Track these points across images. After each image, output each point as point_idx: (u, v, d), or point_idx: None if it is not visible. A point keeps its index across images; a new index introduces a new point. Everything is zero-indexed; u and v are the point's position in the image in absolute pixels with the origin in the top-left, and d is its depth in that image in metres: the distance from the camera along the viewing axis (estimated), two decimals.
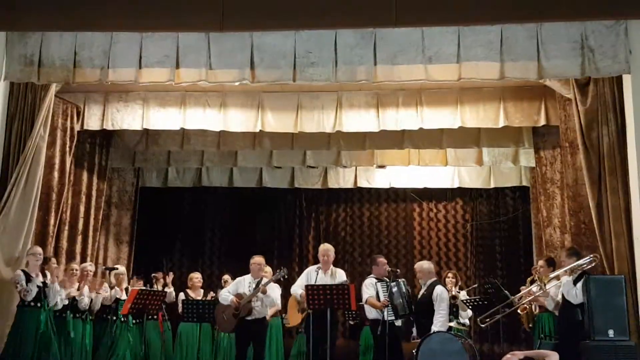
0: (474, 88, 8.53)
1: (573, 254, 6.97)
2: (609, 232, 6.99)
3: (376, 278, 8.09)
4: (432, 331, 7.01)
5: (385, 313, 7.68)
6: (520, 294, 7.86)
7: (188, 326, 9.02)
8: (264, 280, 8.03)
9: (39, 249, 7.58)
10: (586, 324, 6.35)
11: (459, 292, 9.08)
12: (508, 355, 5.64)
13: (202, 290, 9.50)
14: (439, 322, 7.13)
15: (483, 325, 7.71)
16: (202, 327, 8.68)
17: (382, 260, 8.43)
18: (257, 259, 8.24)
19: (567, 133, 7.99)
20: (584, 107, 7.32)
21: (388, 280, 8.03)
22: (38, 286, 7.25)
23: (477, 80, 7.49)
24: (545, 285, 7.23)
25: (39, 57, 7.56)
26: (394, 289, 7.67)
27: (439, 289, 7.32)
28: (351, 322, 9.95)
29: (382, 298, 7.85)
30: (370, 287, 8.03)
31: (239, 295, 7.98)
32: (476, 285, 9.56)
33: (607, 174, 7.06)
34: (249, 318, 7.95)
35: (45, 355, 7.14)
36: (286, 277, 8.25)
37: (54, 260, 8.15)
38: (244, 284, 8.14)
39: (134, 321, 8.58)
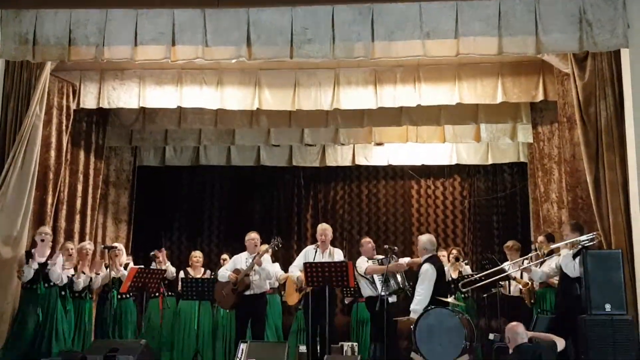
0: (472, 64, 8.50)
1: (577, 228, 7.00)
2: (606, 207, 7.01)
3: (368, 258, 8.22)
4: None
5: (380, 288, 7.75)
6: (508, 264, 7.95)
7: (187, 304, 9.06)
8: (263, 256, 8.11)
9: (46, 229, 7.62)
10: (583, 298, 6.39)
11: (463, 265, 9.09)
12: (514, 323, 5.71)
13: (202, 269, 9.52)
14: (415, 300, 7.12)
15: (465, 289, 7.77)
16: (201, 305, 8.75)
17: (366, 240, 8.63)
18: (252, 235, 8.36)
19: (565, 108, 7.99)
20: (582, 81, 7.30)
21: (379, 258, 8.15)
22: (34, 269, 7.30)
23: (475, 55, 7.46)
24: (544, 255, 7.28)
25: (33, 35, 7.51)
26: (385, 265, 7.78)
27: (424, 266, 7.26)
28: (346, 302, 9.98)
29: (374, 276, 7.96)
30: (363, 261, 8.14)
31: (236, 271, 8.07)
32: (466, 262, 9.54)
33: (605, 149, 7.06)
34: (247, 293, 8.03)
35: (49, 337, 7.19)
36: (280, 245, 8.35)
37: (70, 245, 8.22)
38: (241, 260, 8.24)
39: (133, 298, 8.61)
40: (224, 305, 8.36)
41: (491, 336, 6.65)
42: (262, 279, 8.17)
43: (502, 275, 7.83)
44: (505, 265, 8.05)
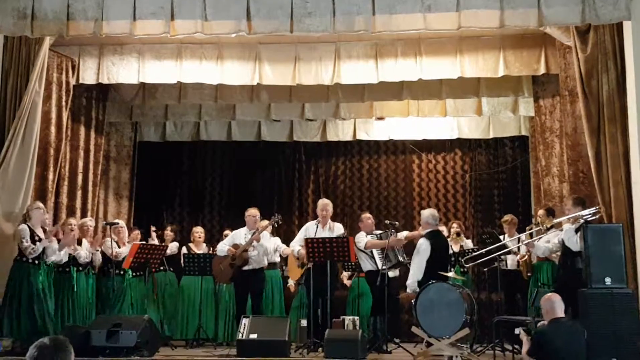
0: (474, 37, 8.44)
1: (579, 203, 7.01)
2: (607, 180, 7.02)
3: (367, 233, 8.29)
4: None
5: (379, 262, 7.81)
6: (509, 240, 7.97)
7: (190, 279, 9.11)
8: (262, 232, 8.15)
9: (40, 203, 7.61)
10: (584, 272, 6.41)
11: (464, 240, 9.12)
12: (551, 294, 5.66)
13: (204, 245, 9.55)
14: (409, 275, 7.24)
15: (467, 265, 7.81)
16: (203, 280, 8.81)
17: (365, 215, 8.70)
18: (252, 211, 8.40)
19: (567, 81, 7.94)
20: (584, 54, 7.27)
21: (378, 233, 8.20)
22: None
23: (477, 29, 7.40)
24: (546, 230, 7.29)
25: (32, 10, 7.45)
26: (384, 239, 7.82)
27: (420, 241, 7.34)
28: (346, 277, 10.00)
29: (373, 251, 8.02)
30: (362, 236, 8.20)
31: (235, 246, 8.11)
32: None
33: (607, 122, 7.05)
34: (246, 268, 8.08)
35: (40, 313, 7.20)
36: (280, 222, 8.40)
37: (72, 221, 8.22)
38: (240, 235, 8.29)
39: (134, 274, 8.65)
40: (221, 279, 8.41)
41: (517, 331, 6.52)
42: (261, 254, 8.20)
43: (505, 250, 7.84)
44: (506, 240, 8.07)
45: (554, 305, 5.47)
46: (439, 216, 7.98)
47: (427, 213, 7.64)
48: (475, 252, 8.26)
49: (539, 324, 5.84)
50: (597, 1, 6.90)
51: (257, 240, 8.05)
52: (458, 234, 9.07)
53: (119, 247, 8.59)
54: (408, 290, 7.32)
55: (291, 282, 9.43)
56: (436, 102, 10.01)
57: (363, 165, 11.73)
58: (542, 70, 8.46)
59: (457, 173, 11.40)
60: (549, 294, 5.66)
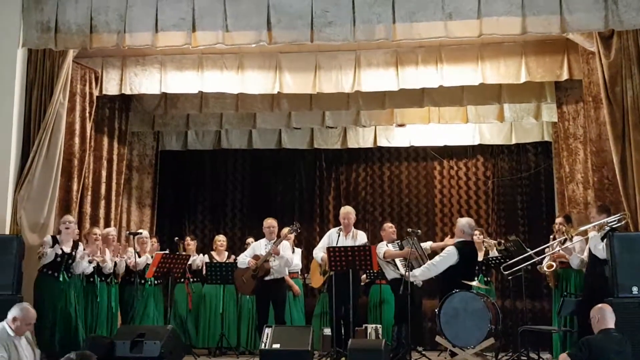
0: (495, 43, 8.37)
1: (603, 210, 6.94)
2: (632, 187, 6.93)
3: (388, 242, 8.33)
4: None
5: (402, 270, 7.80)
6: (541, 249, 7.88)
7: (212, 288, 9.15)
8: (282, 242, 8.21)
9: (69, 217, 7.69)
10: (610, 280, 6.33)
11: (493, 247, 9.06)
12: (602, 304, 5.58)
13: (226, 253, 9.59)
14: (422, 268, 7.31)
15: (506, 273, 7.75)
16: (225, 289, 8.84)
17: (387, 225, 8.74)
18: (268, 222, 8.45)
19: (590, 87, 7.85)
20: (608, 60, 7.19)
21: (400, 241, 8.20)
22: (57, 254, 7.35)
23: (498, 36, 7.36)
24: (572, 238, 7.21)
25: (55, 23, 7.58)
26: (407, 248, 7.82)
27: (450, 247, 7.30)
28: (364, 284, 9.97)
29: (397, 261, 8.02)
30: (382, 245, 8.25)
31: (256, 257, 8.14)
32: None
33: (631, 128, 6.98)
34: (267, 278, 8.10)
35: (69, 325, 7.27)
36: (299, 230, 8.45)
37: (96, 231, 8.27)
38: (260, 246, 8.33)
39: (156, 282, 8.68)
40: (245, 291, 8.44)
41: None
42: (282, 265, 8.22)
43: (538, 258, 7.78)
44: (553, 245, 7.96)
45: (605, 315, 5.38)
46: (475, 227, 7.89)
47: (464, 221, 7.57)
48: (501, 260, 8.22)
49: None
50: (621, 7, 6.84)
51: (276, 254, 8.05)
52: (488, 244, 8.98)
53: (139, 256, 8.62)
54: (411, 278, 7.28)
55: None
56: (457, 108, 9.95)
57: (384, 172, 11.69)
58: (564, 76, 8.38)
59: (480, 179, 11.31)
60: (601, 304, 5.55)
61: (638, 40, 7.03)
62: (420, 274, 7.29)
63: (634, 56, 7.03)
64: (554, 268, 7.71)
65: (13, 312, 5.46)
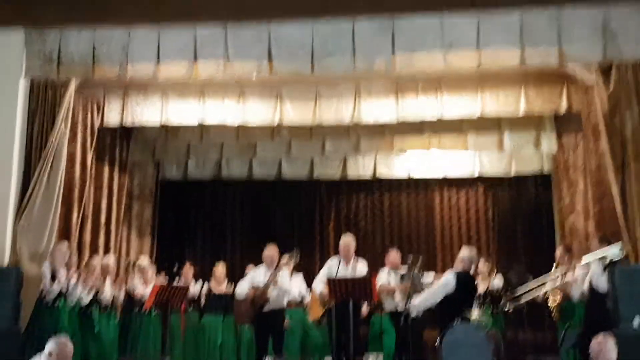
0: (494, 74, 8.41)
1: (604, 241, 6.92)
2: (633, 218, 6.91)
3: (391, 269, 8.28)
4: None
5: (400, 302, 7.76)
6: (543, 279, 7.85)
7: (211, 318, 9.08)
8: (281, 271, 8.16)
9: (64, 244, 7.66)
10: (612, 312, 6.29)
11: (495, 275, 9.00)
12: (603, 336, 5.51)
13: (225, 283, 9.53)
14: (418, 298, 7.19)
15: (507, 306, 7.70)
16: (224, 320, 8.77)
17: (392, 251, 8.68)
18: (268, 250, 8.33)
19: (590, 118, 7.90)
20: (607, 91, 7.22)
21: (402, 273, 8.16)
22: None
23: (497, 67, 7.41)
24: (574, 271, 7.19)
25: (58, 54, 7.61)
26: (405, 280, 7.80)
27: (447, 274, 7.24)
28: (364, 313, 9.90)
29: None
30: (382, 275, 8.22)
31: (254, 287, 8.06)
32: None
33: (631, 159, 6.98)
34: (266, 309, 8.02)
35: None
36: (297, 259, 8.40)
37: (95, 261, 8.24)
38: (260, 274, 8.23)
39: (155, 311, 8.61)
40: (244, 321, 8.37)
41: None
42: (280, 294, 8.15)
43: (544, 290, 7.77)
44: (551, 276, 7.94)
45: (607, 347, 5.32)
46: (476, 258, 7.85)
47: (464, 252, 7.48)
48: (503, 291, 8.17)
49: None
50: (619, 38, 6.88)
51: (274, 283, 8.00)
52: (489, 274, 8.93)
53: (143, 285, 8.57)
54: (411, 310, 7.21)
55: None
56: (457, 136, 9.98)
57: (384, 202, 11.67)
58: (564, 107, 8.41)
59: (480, 209, 11.29)
60: (602, 336, 5.49)
61: (637, 72, 7.06)
62: (419, 304, 7.21)
63: (632, 88, 7.06)
64: (557, 302, 7.66)
65: (49, 347, 5.30)
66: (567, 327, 7.34)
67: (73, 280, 7.49)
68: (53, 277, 7.29)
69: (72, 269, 7.63)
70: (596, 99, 7.41)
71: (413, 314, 7.12)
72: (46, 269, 7.32)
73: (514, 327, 8.99)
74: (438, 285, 7.16)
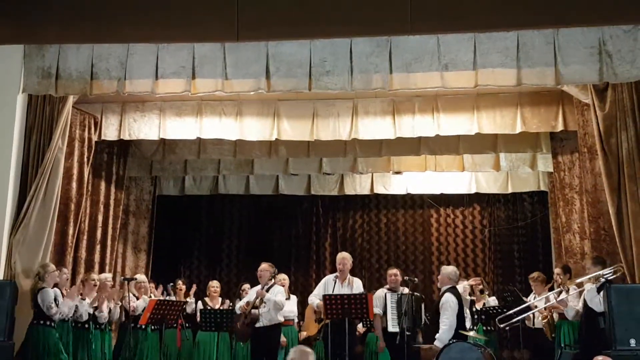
0: (491, 94, 8.46)
1: (598, 262, 6.93)
2: (629, 238, 6.91)
3: (389, 289, 8.23)
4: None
5: (390, 324, 7.73)
6: (537, 299, 7.83)
7: (206, 335, 9.04)
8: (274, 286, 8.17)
9: (52, 266, 7.54)
10: (607, 333, 6.28)
11: (488, 298, 8.99)
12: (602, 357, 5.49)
13: (220, 299, 9.51)
14: (441, 330, 7.06)
15: (502, 325, 7.70)
16: (220, 336, 8.73)
17: (392, 271, 8.55)
18: (261, 267, 8.33)
19: (586, 138, 7.93)
20: (603, 112, 7.25)
21: (399, 293, 8.14)
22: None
23: (494, 86, 7.45)
24: (568, 291, 7.18)
25: (56, 70, 7.60)
26: (397, 303, 7.89)
27: (445, 296, 7.20)
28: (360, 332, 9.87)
29: (389, 309, 7.98)
30: (377, 300, 8.10)
31: (247, 303, 8.05)
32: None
33: (627, 180, 6.99)
34: (258, 325, 8.00)
35: None
36: (275, 274, 8.33)
37: (94, 276, 8.23)
38: (254, 291, 8.24)
39: (152, 328, 8.57)
40: (240, 338, 8.35)
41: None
42: (271, 310, 8.10)
43: (533, 310, 7.76)
44: (533, 299, 7.96)
45: None
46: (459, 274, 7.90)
47: (451, 269, 7.55)
48: (498, 310, 8.16)
49: None
50: (615, 60, 6.90)
51: (261, 297, 7.98)
52: (482, 292, 8.93)
53: (137, 299, 8.54)
54: (437, 343, 7.15)
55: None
56: (454, 156, 10.02)
57: (381, 219, 11.70)
58: (560, 127, 8.46)
59: (476, 228, 11.32)
60: (600, 356, 5.47)
61: (632, 93, 7.08)
62: (444, 335, 7.07)
63: (628, 108, 7.08)
64: (547, 320, 7.66)
65: None
66: (563, 347, 7.32)
67: (76, 301, 7.46)
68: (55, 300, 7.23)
69: (75, 290, 7.60)
70: (592, 119, 7.44)
71: (440, 346, 7.02)
72: (48, 293, 7.20)
73: (510, 346, 8.98)
74: (448, 311, 7.10)
